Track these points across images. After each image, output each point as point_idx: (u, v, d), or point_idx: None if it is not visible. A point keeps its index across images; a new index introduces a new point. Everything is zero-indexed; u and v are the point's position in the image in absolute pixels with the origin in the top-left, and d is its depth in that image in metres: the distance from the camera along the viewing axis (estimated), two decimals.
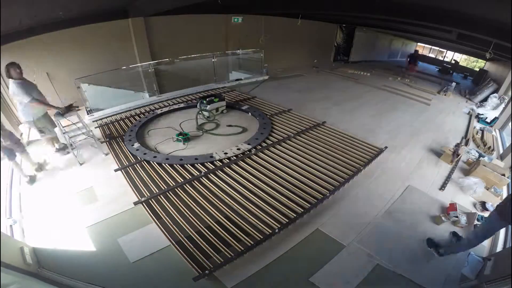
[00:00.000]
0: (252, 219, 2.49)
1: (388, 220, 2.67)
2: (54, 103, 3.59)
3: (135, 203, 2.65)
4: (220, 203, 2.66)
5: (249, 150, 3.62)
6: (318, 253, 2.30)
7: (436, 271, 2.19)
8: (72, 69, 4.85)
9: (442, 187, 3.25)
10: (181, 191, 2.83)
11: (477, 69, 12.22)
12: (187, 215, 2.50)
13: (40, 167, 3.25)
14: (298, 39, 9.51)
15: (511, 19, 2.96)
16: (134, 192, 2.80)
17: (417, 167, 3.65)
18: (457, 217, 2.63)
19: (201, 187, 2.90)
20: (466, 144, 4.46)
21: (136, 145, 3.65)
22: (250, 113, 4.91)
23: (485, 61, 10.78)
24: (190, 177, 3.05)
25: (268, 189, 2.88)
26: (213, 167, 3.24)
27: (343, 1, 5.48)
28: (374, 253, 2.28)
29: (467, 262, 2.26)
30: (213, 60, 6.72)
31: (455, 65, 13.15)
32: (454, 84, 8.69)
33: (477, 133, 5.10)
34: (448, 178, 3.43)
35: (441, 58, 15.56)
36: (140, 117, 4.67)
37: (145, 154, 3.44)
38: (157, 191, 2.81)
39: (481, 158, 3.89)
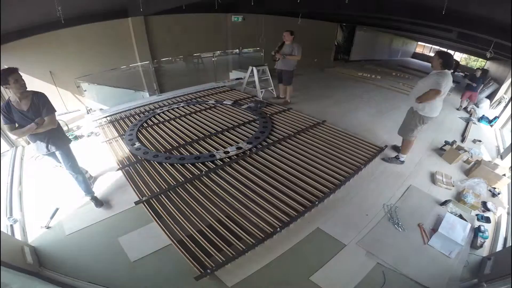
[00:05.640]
0: (253, 217, 2.49)
1: (389, 219, 2.67)
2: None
3: (136, 203, 2.65)
4: (221, 202, 2.66)
5: (250, 149, 3.62)
6: (318, 252, 2.30)
7: (437, 270, 2.19)
8: (72, 68, 4.85)
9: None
10: (182, 190, 2.83)
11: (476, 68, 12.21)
12: (188, 214, 2.50)
13: None
14: (298, 38, 9.48)
15: (511, 19, 2.95)
16: (135, 192, 2.80)
17: (418, 166, 3.64)
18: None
19: (202, 186, 2.90)
20: (462, 141, 4.50)
21: (137, 144, 3.66)
22: (249, 113, 4.90)
23: (485, 61, 10.79)
24: (191, 176, 3.05)
25: (269, 188, 2.88)
26: (214, 166, 3.25)
27: (343, 1, 5.46)
28: (374, 252, 2.28)
29: (467, 262, 2.27)
30: (213, 59, 6.73)
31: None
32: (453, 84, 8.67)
33: None
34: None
35: None
36: (140, 116, 4.67)
37: (145, 153, 3.45)
38: (158, 190, 2.81)
39: (479, 155, 3.89)
